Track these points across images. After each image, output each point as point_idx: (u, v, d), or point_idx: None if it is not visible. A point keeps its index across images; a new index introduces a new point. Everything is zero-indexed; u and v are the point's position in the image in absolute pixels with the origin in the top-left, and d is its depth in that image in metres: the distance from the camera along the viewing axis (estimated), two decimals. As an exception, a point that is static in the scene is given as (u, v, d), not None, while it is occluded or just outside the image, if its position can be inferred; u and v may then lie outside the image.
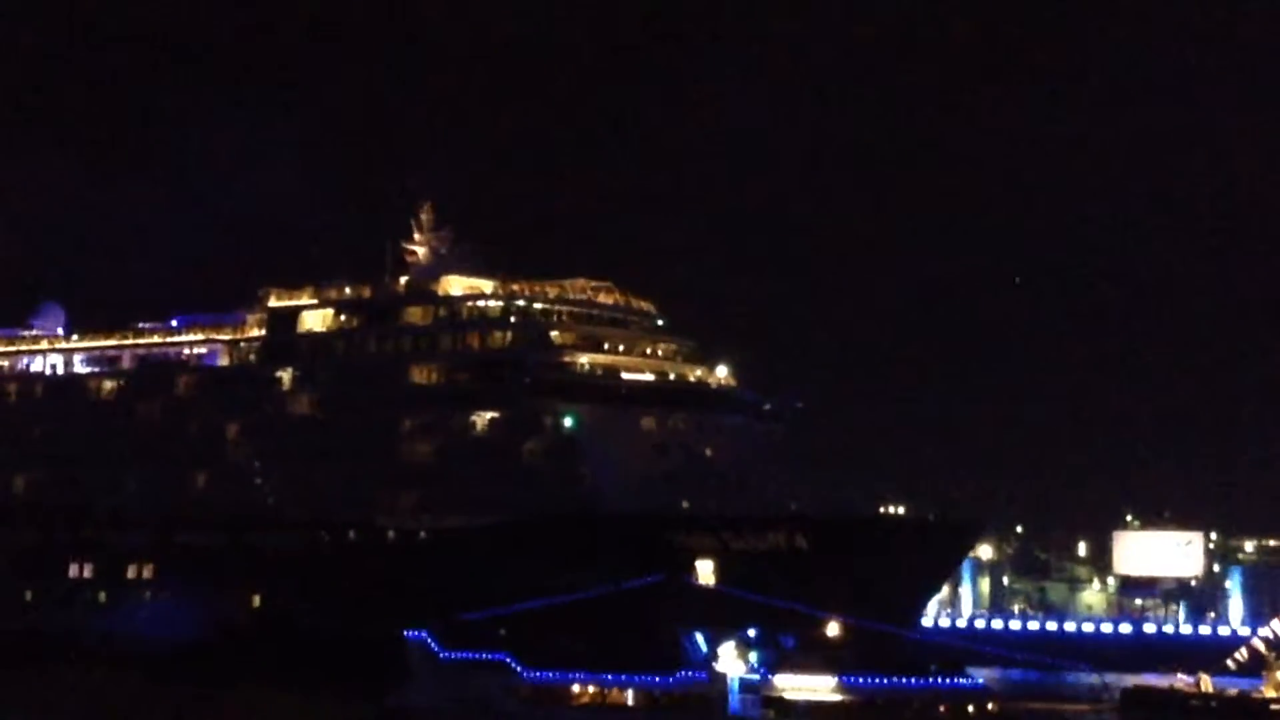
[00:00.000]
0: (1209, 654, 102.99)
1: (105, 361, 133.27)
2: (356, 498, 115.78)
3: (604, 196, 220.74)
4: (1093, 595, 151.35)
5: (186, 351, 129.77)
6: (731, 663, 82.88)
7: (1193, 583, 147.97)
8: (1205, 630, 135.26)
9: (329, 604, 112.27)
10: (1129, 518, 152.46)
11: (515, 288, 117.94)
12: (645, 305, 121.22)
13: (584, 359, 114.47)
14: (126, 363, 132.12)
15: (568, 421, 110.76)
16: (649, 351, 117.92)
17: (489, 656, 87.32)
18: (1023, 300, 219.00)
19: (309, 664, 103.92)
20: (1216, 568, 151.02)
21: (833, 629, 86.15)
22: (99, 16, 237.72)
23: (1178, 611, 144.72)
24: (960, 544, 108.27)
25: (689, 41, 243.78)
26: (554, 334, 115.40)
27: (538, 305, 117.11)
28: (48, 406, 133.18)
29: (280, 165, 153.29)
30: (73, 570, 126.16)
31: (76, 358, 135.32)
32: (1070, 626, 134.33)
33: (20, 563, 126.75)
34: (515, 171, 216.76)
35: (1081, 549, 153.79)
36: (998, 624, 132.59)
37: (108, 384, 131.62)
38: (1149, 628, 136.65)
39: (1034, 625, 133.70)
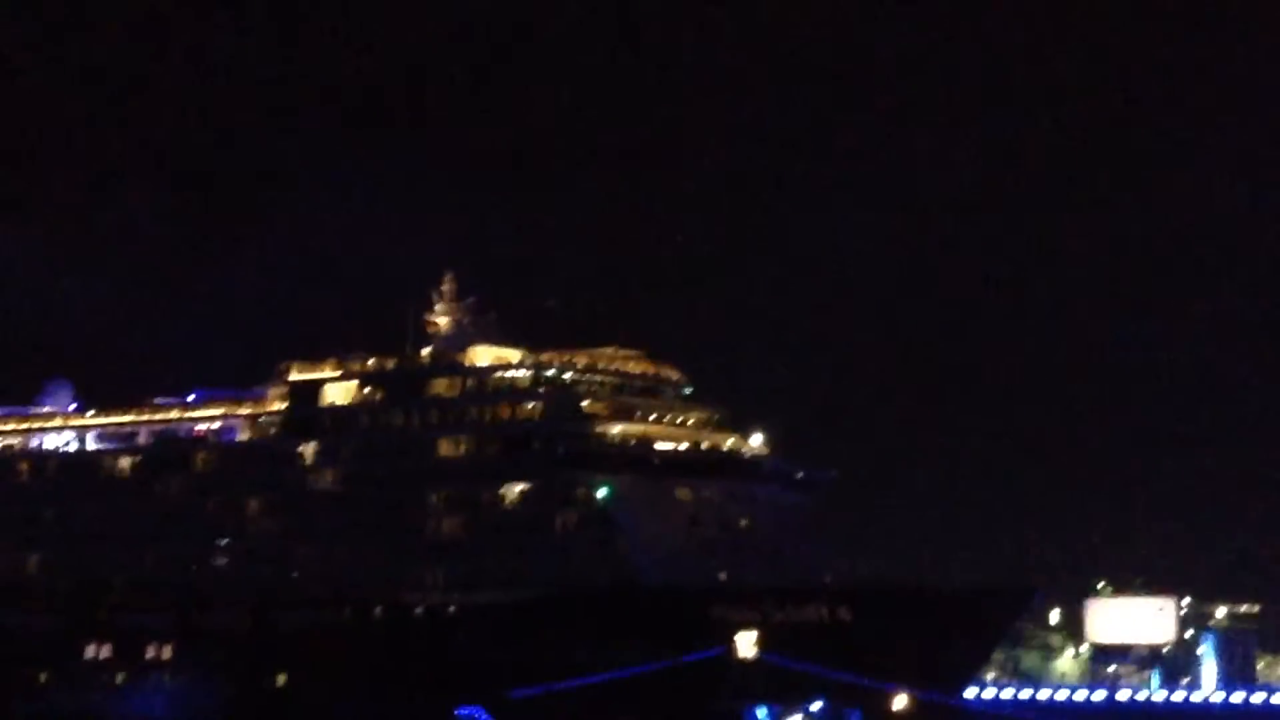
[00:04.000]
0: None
1: (121, 438, 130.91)
2: (383, 574, 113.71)
3: (627, 264, 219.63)
4: (1066, 663, 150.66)
5: (205, 427, 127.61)
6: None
7: (1166, 649, 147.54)
8: (1179, 696, 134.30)
9: (356, 683, 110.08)
10: (1101, 584, 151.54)
11: (544, 357, 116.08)
12: (674, 374, 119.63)
13: (616, 429, 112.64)
14: (143, 439, 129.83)
15: (601, 493, 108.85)
16: (681, 420, 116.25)
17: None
18: (988, 367, 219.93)
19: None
20: (1190, 633, 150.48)
21: (899, 702, 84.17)
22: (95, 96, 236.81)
23: (1151, 678, 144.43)
24: (1008, 611, 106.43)
25: (706, 96, 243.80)
26: (585, 404, 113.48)
27: (567, 375, 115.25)
28: (61, 485, 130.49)
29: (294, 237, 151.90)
30: (89, 651, 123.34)
31: (90, 435, 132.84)
32: (1045, 694, 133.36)
33: (35, 644, 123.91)
34: (534, 240, 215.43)
35: (1054, 616, 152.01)
36: (970, 692, 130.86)
37: (123, 461, 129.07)
38: (1123, 694, 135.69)
39: (1008, 694, 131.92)
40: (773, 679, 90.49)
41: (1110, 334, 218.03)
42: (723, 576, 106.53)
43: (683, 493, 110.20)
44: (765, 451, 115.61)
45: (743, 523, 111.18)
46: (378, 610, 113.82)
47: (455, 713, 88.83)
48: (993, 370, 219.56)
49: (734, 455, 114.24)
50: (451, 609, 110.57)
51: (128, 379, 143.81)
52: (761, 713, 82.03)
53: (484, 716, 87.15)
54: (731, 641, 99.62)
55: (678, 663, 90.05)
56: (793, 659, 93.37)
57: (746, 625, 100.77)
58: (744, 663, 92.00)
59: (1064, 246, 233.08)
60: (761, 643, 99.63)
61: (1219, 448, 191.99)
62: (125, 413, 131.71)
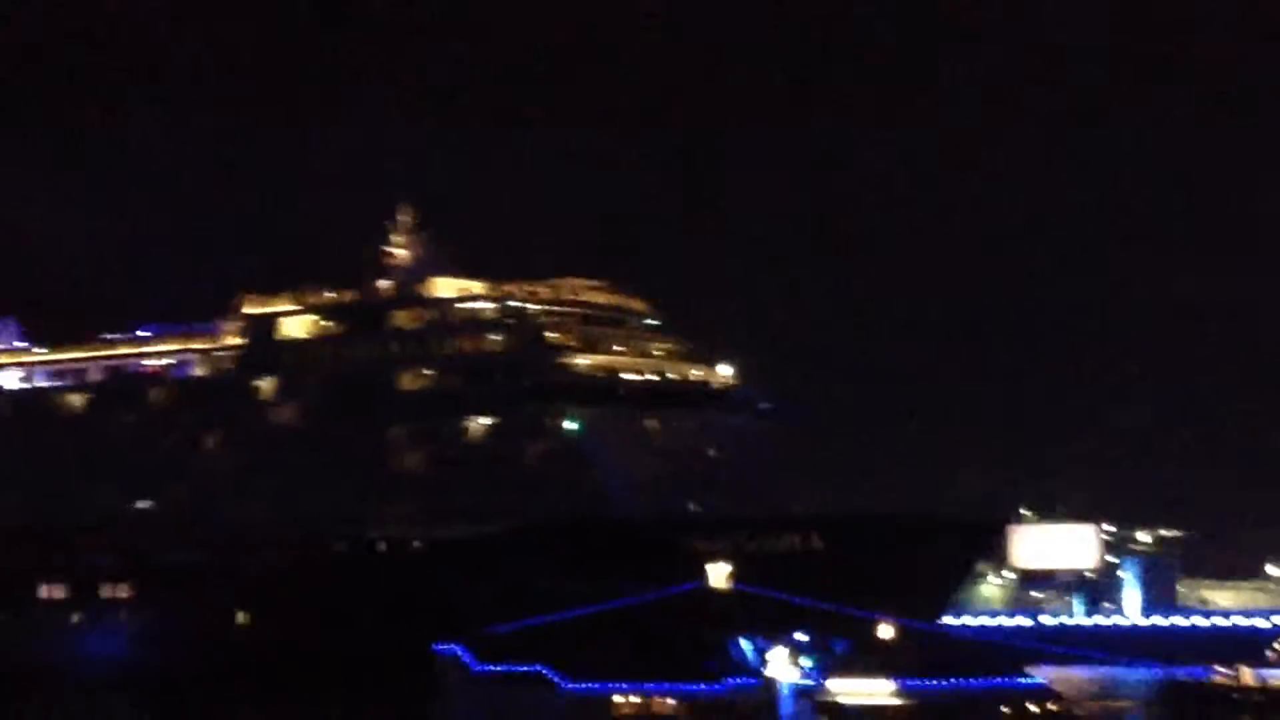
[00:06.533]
0: (1108, 644, 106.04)
1: (71, 375, 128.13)
2: (345, 510, 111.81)
3: (591, 195, 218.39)
4: (990, 589, 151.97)
5: (157, 363, 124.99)
6: (783, 668, 79.73)
7: (1089, 574, 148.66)
8: (1103, 621, 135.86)
9: (321, 620, 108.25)
10: (1024, 511, 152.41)
11: (507, 289, 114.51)
12: (639, 304, 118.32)
13: (582, 360, 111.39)
14: (94, 375, 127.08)
15: (570, 425, 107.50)
16: (647, 351, 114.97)
17: (525, 669, 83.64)
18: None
19: (316, 683, 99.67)
20: (1112, 559, 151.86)
21: (885, 631, 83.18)
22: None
23: (1074, 603, 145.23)
24: (981, 541, 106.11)
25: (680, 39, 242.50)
26: (550, 335, 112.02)
27: (532, 306, 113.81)
28: (11, 423, 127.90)
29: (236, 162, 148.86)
30: (43, 592, 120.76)
31: (38, 372, 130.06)
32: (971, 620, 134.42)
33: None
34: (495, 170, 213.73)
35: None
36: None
37: (75, 398, 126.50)
38: (1047, 620, 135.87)
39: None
40: (755, 610, 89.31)
41: (1048, 270, 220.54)
42: (693, 507, 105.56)
43: (652, 424, 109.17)
44: (733, 382, 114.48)
45: (712, 453, 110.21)
46: (340, 547, 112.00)
47: (432, 650, 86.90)
48: (925, 299, 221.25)
49: (703, 385, 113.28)
50: (416, 544, 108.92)
51: (72, 315, 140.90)
52: (746, 645, 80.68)
53: (463, 652, 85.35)
54: (704, 573, 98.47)
55: (661, 595, 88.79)
56: (767, 589, 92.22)
57: (719, 556, 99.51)
58: (725, 594, 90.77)
59: (1017, 177, 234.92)
60: (734, 573, 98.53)
61: (1140, 373, 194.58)
62: (75, 349, 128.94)
